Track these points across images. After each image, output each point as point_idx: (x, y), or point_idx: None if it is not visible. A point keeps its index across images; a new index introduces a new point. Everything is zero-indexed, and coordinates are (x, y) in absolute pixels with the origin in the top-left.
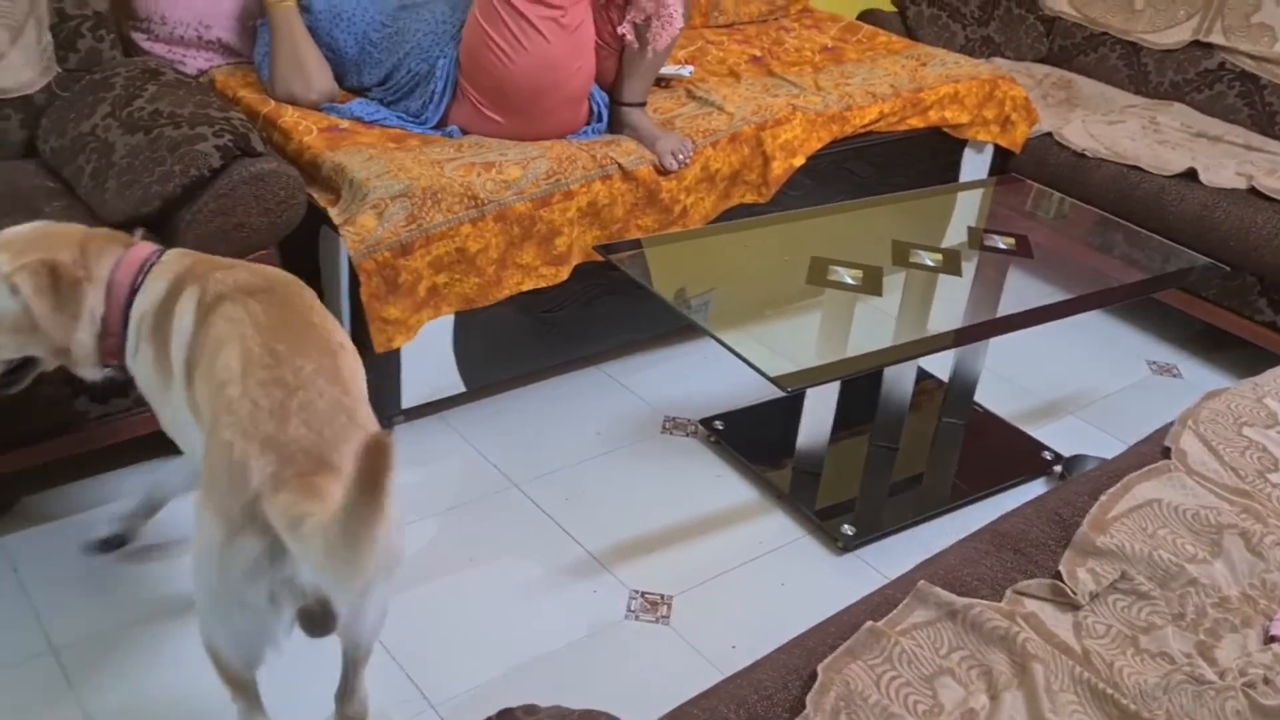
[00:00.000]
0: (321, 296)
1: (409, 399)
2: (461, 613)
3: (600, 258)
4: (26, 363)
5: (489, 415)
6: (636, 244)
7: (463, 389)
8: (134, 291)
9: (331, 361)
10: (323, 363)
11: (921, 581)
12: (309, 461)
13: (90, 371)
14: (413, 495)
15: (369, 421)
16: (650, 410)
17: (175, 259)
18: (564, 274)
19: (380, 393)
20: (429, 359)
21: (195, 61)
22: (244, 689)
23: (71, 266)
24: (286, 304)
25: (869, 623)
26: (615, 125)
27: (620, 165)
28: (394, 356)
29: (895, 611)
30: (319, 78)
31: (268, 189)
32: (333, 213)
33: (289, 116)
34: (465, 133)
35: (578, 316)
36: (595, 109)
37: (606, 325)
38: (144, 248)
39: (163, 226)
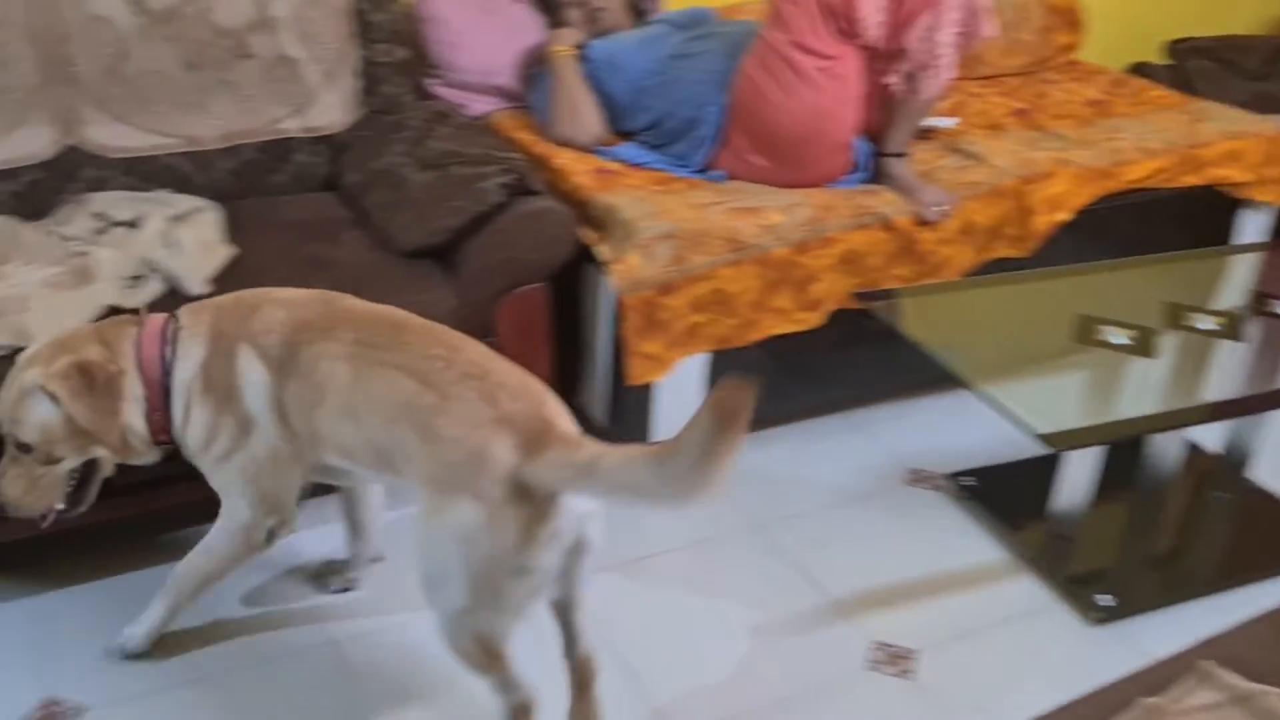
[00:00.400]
0: (580, 329)
1: (658, 433)
2: (698, 649)
3: (854, 305)
4: (88, 473)
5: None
6: (892, 293)
7: None
8: (164, 361)
9: (466, 342)
10: (468, 346)
11: (1206, 661)
12: (538, 424)
13: (148, 455)
14: (655, 528)
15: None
16: (895, 461)
17: (193, 319)
18: (817, 320)
19: (631, 425)
20: (681, 395)
21: (479, 105)
22: (502, 662)
23: (102, 361)
24: (357, 318)
25: (1146, 699)
26: (876, 175)
27: (880, 215)
28: (647, 391)
29: (1174, 690)
30: (592, 122)
31: (543, 225)
32: (601, 250)
33: (562, 158)
34: (729, 178)
35: (827, 363)
36: (857, 158)
37: (855, 373)
38: (155, 320)
39: (445, 258)
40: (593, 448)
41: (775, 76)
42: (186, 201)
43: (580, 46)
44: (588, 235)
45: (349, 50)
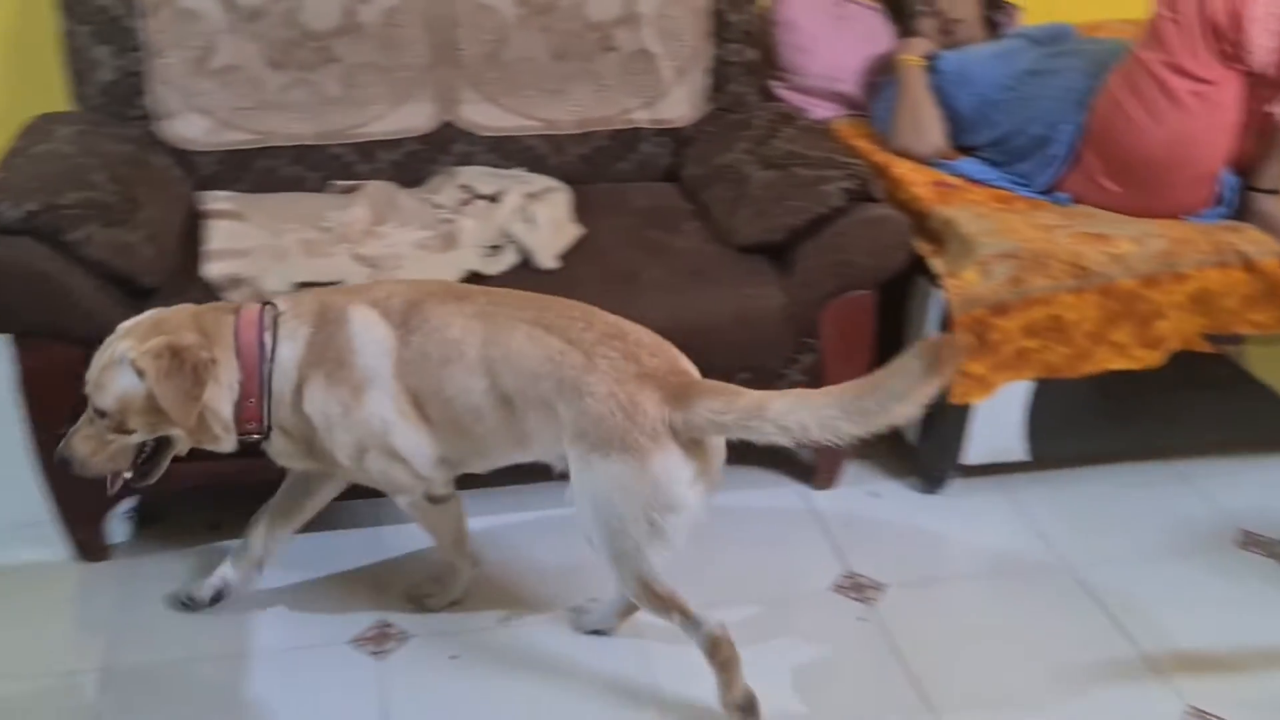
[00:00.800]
0: (901, 340)
1: (970, 456)
2: (998, 680)
3: (1200, 348)
4: (160, 448)
5: (1048, 489)
6: (1247, 340)
7: (1025, 457)
8: (262, 348)
9: (593, 309)
10: (596, 311)
11: None
12: (679, 378)
13: (228, 443)
14: (955, 552)
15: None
16: (1226, 520)
17: (294, 303)
18: (1156, 359)
19: (940, 444)
20: (998, 421)
21: (820, 110)
22: (675, 600)
23: (195, 348)
24: (482, 290)
25: None
26: (1241, 211)
27: (1242, 254)
28: (963, 411)
29: None
30: (935, 134)
31: (880, 233)
32: (936, 264)
33: (901, 168)
34: (1075, 201)
35: (1160, 405)
36: (1222, 191)
37: (1189, 420)
38: (252, 308)
39: (778, 255)
40: (755, 393)
41: (1142, 98)
42: (541, 181)
43: (930, 57)
44: (922, 247)
45: (703, 48)
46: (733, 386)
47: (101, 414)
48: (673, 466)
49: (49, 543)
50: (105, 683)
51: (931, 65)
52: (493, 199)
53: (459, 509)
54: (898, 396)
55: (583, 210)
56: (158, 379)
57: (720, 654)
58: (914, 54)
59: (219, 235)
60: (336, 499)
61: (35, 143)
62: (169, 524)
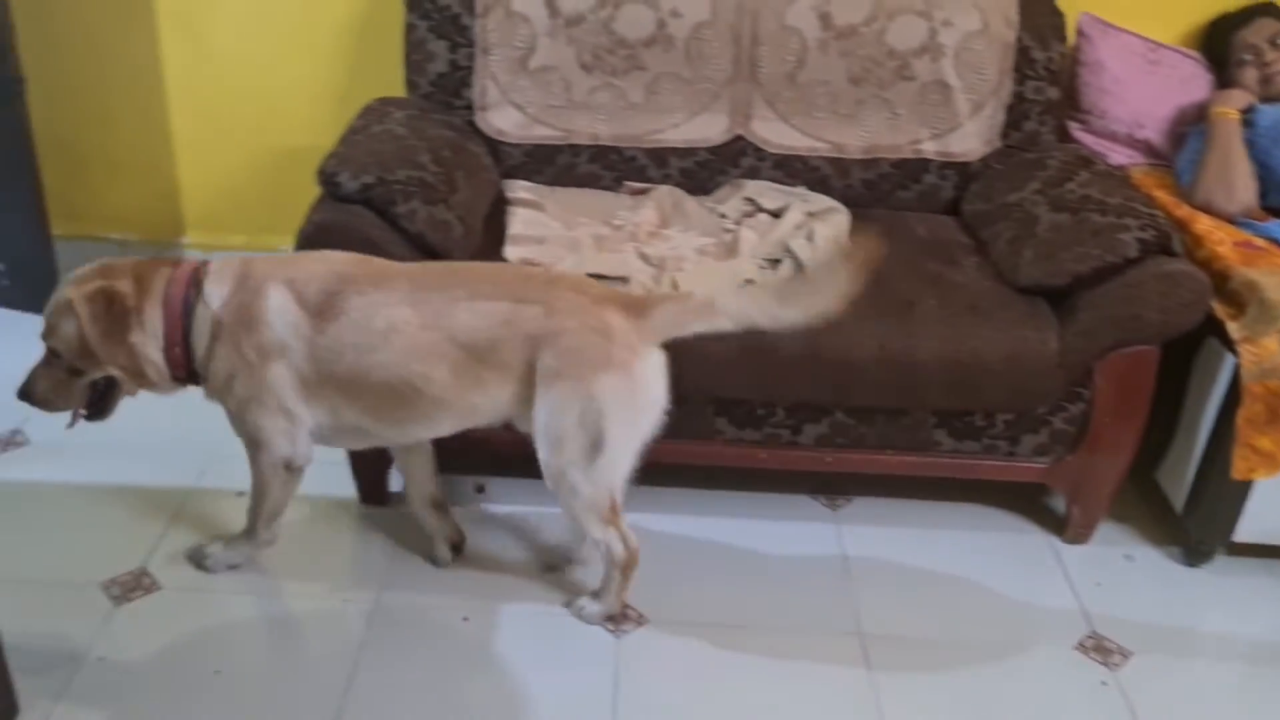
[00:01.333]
0: (1177, 403)
1: (1241, 534)
2: None
3: None
4: (110, 389)
5: None
6: None
7: None
8: (185, 302)
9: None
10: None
11: None
12: (625, 296)
13: (166, 387)
14: (1212, 631)
15: None
16: None
17: (222, 264)
18: None
19: (1211, 518)
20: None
21: (1118, 156)
22: (619, 512)
23: (124, 295)
24: (402, 269)
25: None
26: None
27: None
28: (1242, 487)
29: None
30: (1244, 191)
31: (1175, 290)
32: (1232, 327)
33: (1203, 224)
34: None
35: None
36: None
37: None
38: (188, 264)
39: (1061, 300)
40: (703, 292)
41: None
42: (823, 201)
43: (1247, 110)
44: (1220, 308)
45: (1003, 84)
46: (680, 293)
47: (55, 354)
48: (651, 368)
49: (339, 483)
50: (373, 615)
51: (1247, 119)
52: (775, 214)
53: (297, 485)
54: (820, 290)
55: (861, 234)
56: (87, 320)
57: (630, 565)
58: (1230, 106)
59: (520, 222)
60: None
61: (373, 123)
62: (443, 482)
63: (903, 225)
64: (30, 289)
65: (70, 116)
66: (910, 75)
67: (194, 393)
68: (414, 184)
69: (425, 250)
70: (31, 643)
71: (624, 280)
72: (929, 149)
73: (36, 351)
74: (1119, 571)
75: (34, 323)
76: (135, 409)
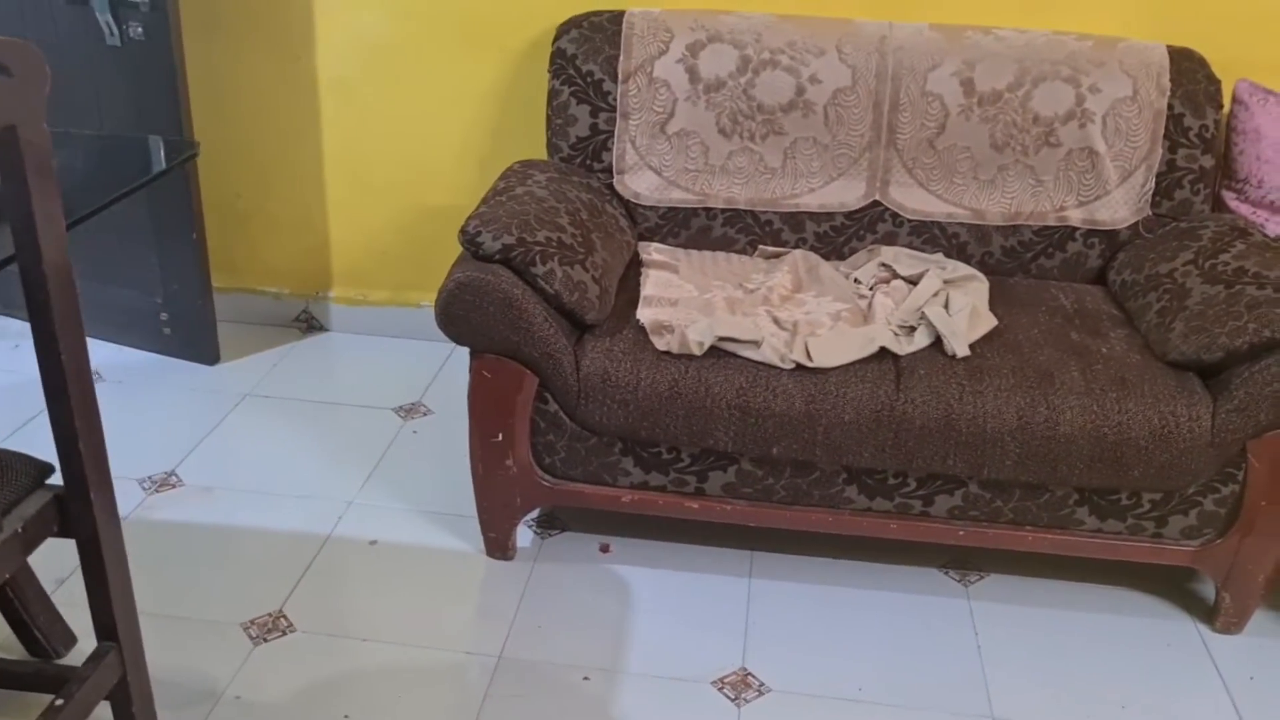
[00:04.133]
0: None
1: None
2: None
3: None
4: None
5: None
6: None
7: None
8: None
9: None
10: None
11: None
12: None
13: None
14: None
15: None
16: None
17: None
18: None
19: None
20: None
21: (1276, 227)
22: None
23: None
24: None
25: None
26: None
27: None
28: None
29: None
30: None
31: None
32: None
33: None
34: None
35: None
36: None
37: None
38: None
39: (1214, 376)
40: None
41: None
42: (961, 268)
43: None
44: None
45: (1153, 151)
46: None
47: None
48: None
49: (467, 536)
50: (497, 669)
51: None
52: (911, 281)
53: None
54: None
55: (1000, 302)
56: None
57: None
58: None
59: (654, 283)
60: (714, 545)
61: (515, 184)
62: (567, 539)
63: (1044, 293)
64: (189, 338)
65: (234, 176)
66: (1056, 142)
67: (337, 445)
68: (553, 245)
69: (562, 310)
70: (174, 677)
71: (755, 343)
72: (1074, 216)
73: (198, 397)
74: (1275, 665)
75: (195, 371)
76: (279, 457)
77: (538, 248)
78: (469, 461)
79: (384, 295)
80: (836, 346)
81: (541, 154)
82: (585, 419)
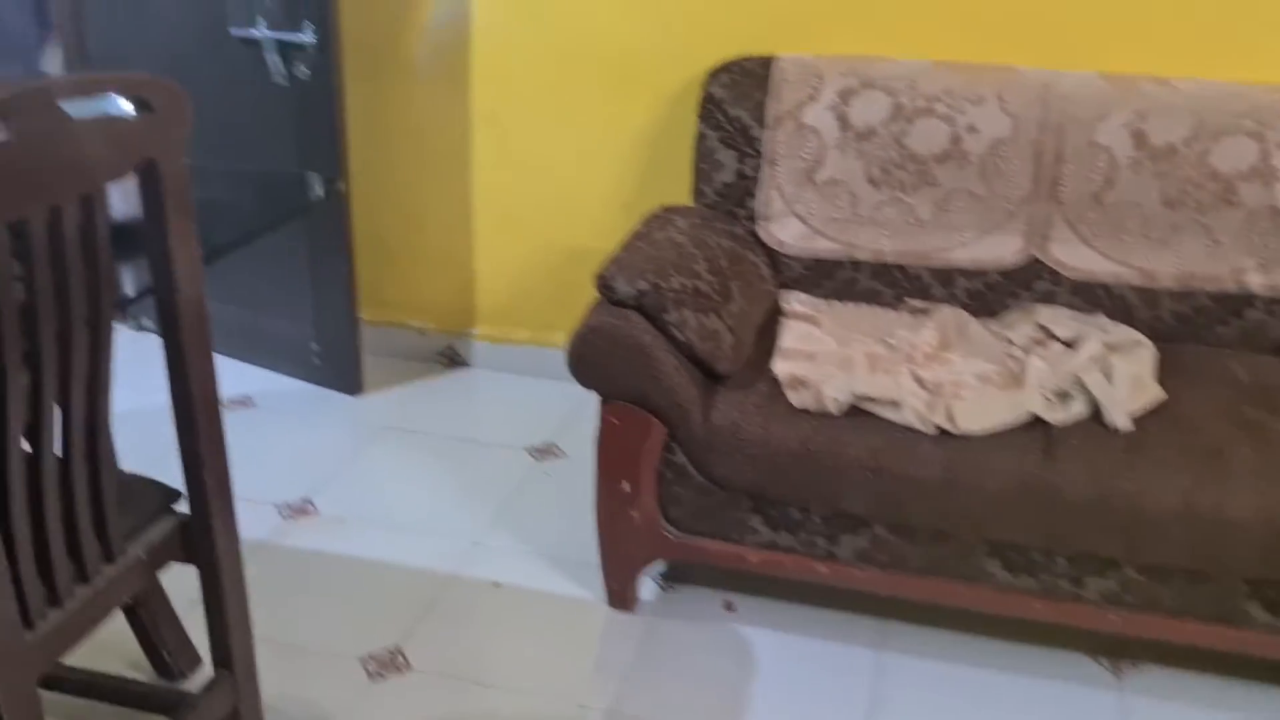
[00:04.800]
0: None
1: None
2: None
3: None
4: None
5: None
6: None
7: None
8: None
9: None
10: None
11: None
12: None
13: None
14: None
15: None
16: None
17: None
18: None
19: None
20: None
21: None
22: None
23: None
24: None
25: None
26: None
27: None
28: None
29: None
30: None
31: None
32: None
33: None
34: None
35: None
36: None
37: None
38: None
39: None
40: None
41: None
42: (1125, 333)
43: None
44: None
45: None
46: None
47: None
48: None
49: (589, 584)
50: None
51: None
52: (1069, 344)
53: None
54: None
55: (1168, 371)
56: None
57: None
58: None
59: (792, 335)
60: (844, 610)
61: (655, 229)
62: (690, 594)
63: (1218, 364)
64: (337, 369)
65: (386, 211)
66: (1236, 200)
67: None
68: (687, 292)
69: (694, 359)
70: (289, 707)
71: (895, 404)
72: (1255, 281)
73: (340, 427)
74: None
75: (340, 401)
76: (413, 492)
77: (671, 294)
78: (595, 506)
79: (526, 334)
80: (982, 410)
81: (687, 199)
82: (713, 472)
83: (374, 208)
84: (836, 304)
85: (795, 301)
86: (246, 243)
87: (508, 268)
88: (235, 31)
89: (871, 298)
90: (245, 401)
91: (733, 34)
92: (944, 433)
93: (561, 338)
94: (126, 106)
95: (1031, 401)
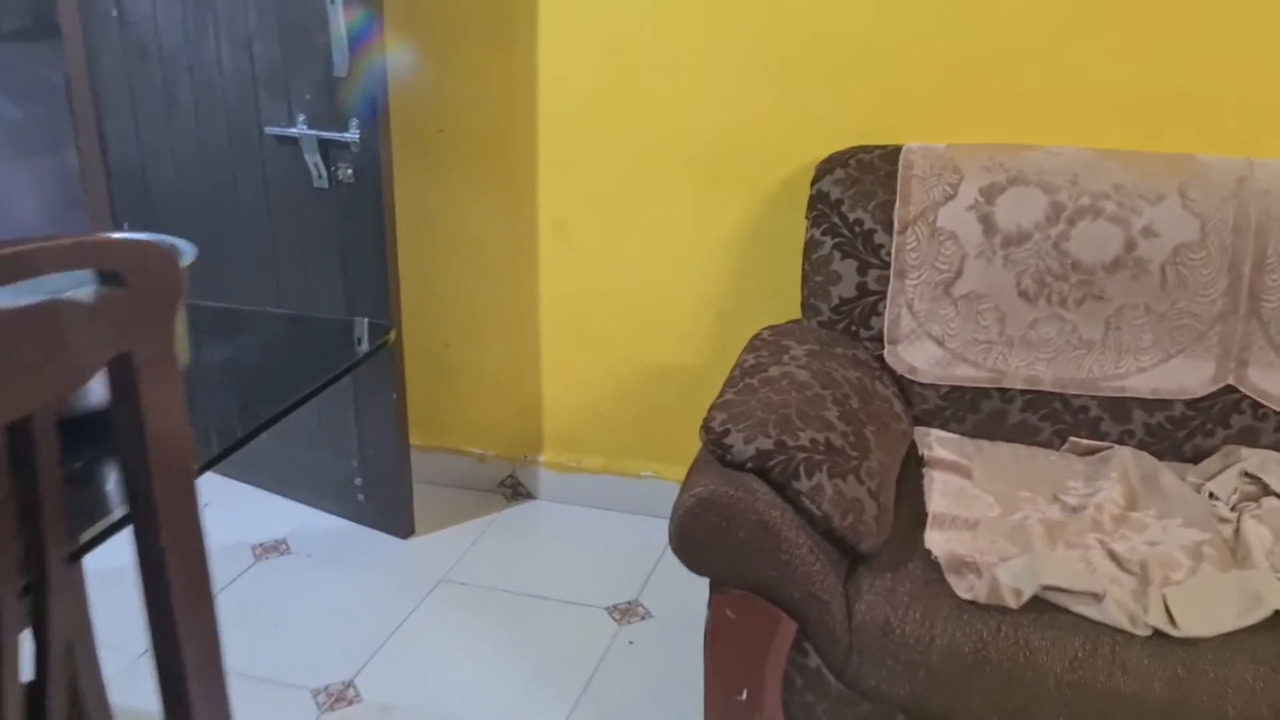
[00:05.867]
0: None
1: None
2: None
3: None
4: None
5: None
6: None
7: None
8: None
9: None
10: None
11: None
12: None
13: None
14: None
15: None
16: None
17: None
18: None
19: None
20: None
21: None
22: None
23: None
24: None
25: None
26: None
27: None
28: None
29: None
30: None
31: None
32: None
33: None
34: None
35: None
36: None
37: None
38: None
39: None
40: None
41: None
42: None
43: None
44: None
45: None
46: None
47: None
48: None
49: None
50: None
51: None
52: None
53: None
54: None
55: None
56: None
57: None
58: None
59: (941, 494)
60: None
61: (768, 361)
62: None
63: None
64: (384, 507)
65: (442, 324)
66: None
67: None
68: (820, 450)
69: (830, 535)
70: None
71: (1095, 596)
72: None
73: (387, 580)
74: None
75: (387, 546)
76: (473, 669)
77: (802, 454)
78: (703, 711)
79: (599, 462)
80: (1206, 602)
81: (792, 310)
82: (857, 681)
83: (428, 319)
84: (986, 445)
85: (937, 444)
86: (268, 425)
87: (578, 387)
88: (271, 130)
89: (1027, 435)
90: (278, 546)
91: (843, 120)
92: (1161, 634)
93: (641, 466)
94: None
95: (1270, 591)
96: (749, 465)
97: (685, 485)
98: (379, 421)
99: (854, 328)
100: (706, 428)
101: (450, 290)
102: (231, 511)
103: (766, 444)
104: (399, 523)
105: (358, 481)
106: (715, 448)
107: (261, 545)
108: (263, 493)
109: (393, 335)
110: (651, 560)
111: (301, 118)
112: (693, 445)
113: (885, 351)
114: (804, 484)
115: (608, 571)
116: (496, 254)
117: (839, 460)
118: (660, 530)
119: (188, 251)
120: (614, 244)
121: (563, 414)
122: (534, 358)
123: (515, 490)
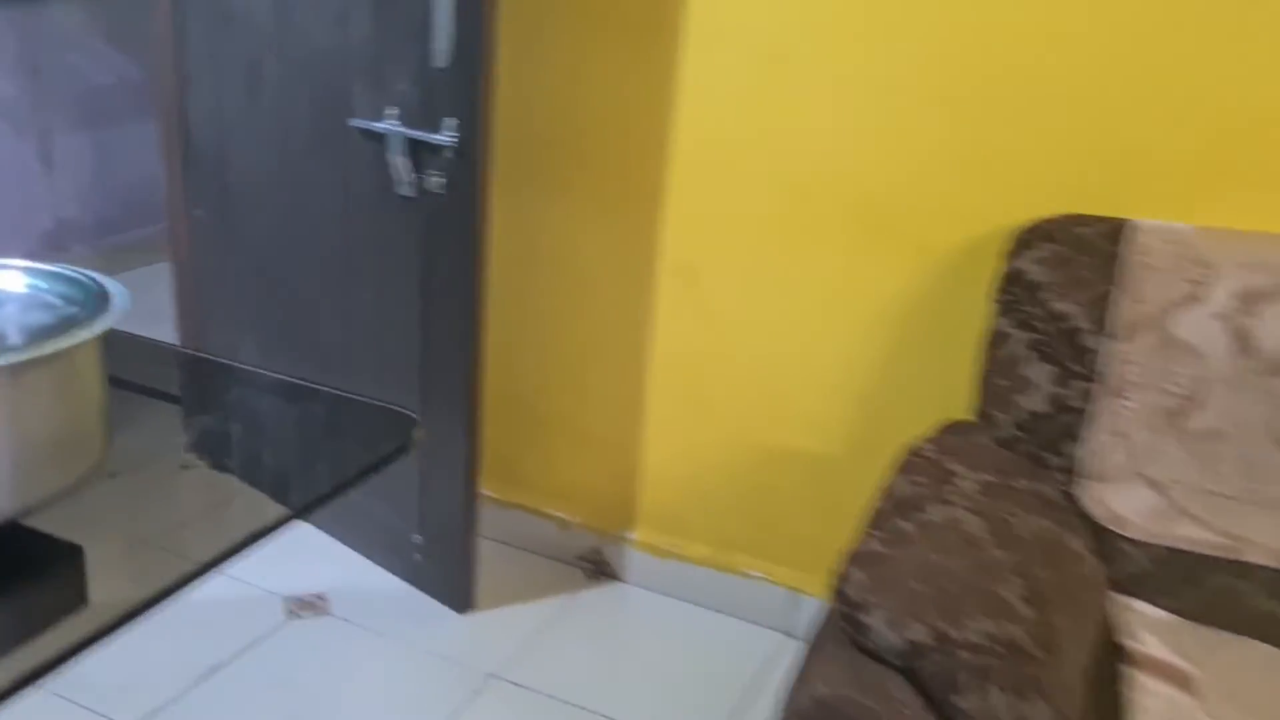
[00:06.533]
0: None
1: None
2: None
3: None
4: None
5: None
6: None
7: None
8: None
9: None
10: None
11: None
12: None
13: None
14: None
15: None
16: None
17: None
18: None
19: None
20: None
21: None
22: None
23: None
24: None
25: None
26: None
27: None
28: None
29: None
30: None
31: None
32: None
33: None
34: None
35: None
36: None
37: None
38: None
39: None
40: None
41: None
42: None
43: None
44: None
45: None
46: None
47: None
48: None
49: None
50: None
51: None
52: None
53: None
54: None
55: None
56: None
57: None
58: None
59: (1156, 710)
60: None
61: (927, 498)
62: None
63: None
64: (442, 572)
65: (533, 367)
66: None
67: None
68: (997, 649)
69: None
70: None
71: None
72: None
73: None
74: None
75: (441, 620)
76: None
77: (968, 655)
78: None
79: (702, 551)
80: None
81: (956, 411)
82: None
83: (518, 360)
84: (1216, 639)
85: (1146, 632)
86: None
87: (685, 459)
88: (356, 123)
89: (1263, 627)
90: (315, 603)
91: (1050, 177)
92: None
93: (751, 564)
94: None
95: None
96: (893, 659)
97: (799, 679)
98: (445, 473)
99: (1041, 450)
100: (840, 593)
101: (548, 329)
102: (272, 549)
103: (920, 634)
104: (457, 594)
105: (416, 539)
106: (850, 624)
107: (298, 600)
108: (312, 529)
109: (419, 433)
110: (748, 676)
111: (392, 112)
112: (812, 547)
113: (1080, 487)
114: (969, 700)
115: (704, 687)
116: (607, 294)
117: (1020, 664)
118: (763, 641)
119: (120, 296)
120: (746, 299)
121: (664, 487)
122: (637, 418)
123: (598, 568)
